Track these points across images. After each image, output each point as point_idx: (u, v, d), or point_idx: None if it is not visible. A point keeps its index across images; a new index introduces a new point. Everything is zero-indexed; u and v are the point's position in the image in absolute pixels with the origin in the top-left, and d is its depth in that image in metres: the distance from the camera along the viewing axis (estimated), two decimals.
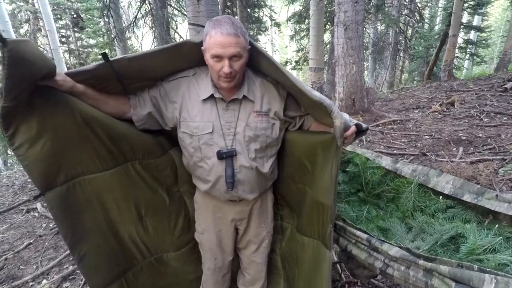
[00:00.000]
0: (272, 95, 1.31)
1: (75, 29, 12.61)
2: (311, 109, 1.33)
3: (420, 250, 1.18)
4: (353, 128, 1.16)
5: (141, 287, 1.46)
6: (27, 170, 1.05)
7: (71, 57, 12.40)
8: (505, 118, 4.77)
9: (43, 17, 7.85)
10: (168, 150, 1.49)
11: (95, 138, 1.20)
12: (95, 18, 10.48)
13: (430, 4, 15.09)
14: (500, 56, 10.99)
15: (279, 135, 1.35)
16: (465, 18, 13.38)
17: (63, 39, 12.27)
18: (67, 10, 12.11)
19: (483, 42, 12.31)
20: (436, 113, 5.55)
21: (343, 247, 1.41)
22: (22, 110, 0.97)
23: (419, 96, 7.19)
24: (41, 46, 11.63)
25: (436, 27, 13.31)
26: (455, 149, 3.82)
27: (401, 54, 14.05)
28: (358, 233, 1.32)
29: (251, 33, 10.45)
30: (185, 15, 7.20)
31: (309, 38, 8.07)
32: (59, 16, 11.86)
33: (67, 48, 12.32)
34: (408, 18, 12.48)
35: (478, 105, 5.56)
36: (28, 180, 4.15)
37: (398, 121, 5.22)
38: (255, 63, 1.26)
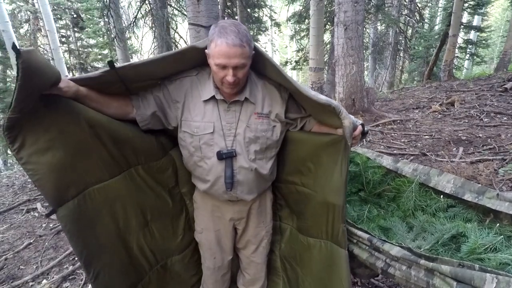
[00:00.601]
0: (274, 97, 1.32)
1: (75, 29, 12.59)
2: (314, 112, 1.34)
3: (422, 250, 1.18)
4: (360, 128, 1.19)
5: None
6: (39, 185, 0.99)
7: (71, 57, 12.38)
8: (505, 118, 4.76)
9: (43, 17, 7.83)
10: (169, 151, 1.49)
11: (100, 143, 1.18)
12: (95, 18, 10.46)
13: (430, 4, 15.08)
14: (500, 56, 10.97)
15: (279, 138, 1.36)
16: (465, 18, 13.37)
17: (63, 39, 12.24)
18: (67, 10, 12.10)
19: (483, 42, 12.30)
20: (436, 113, 5.54)
21: None
22: (28, 120, 0.94)
23: (419, 96, 7.18)
24: (41, 46, 11.64)
25: (436, 27, 13.30)
26: (455, 149, 3.81)
27: (401, 54, 14.04)
28: (360, 233, 1.32)
29: (251, 33, 10.43)
30: (185, 15, 7.20)
31: (309, 38, 8.07)
32: (59, 16, 11.84)
33: (67, 48, 12.29)
34: (408, 18, 12.47)
35: (478, 105, 5.55)
36: (28, 180, 4.15)
37: (398, 121, 5.21)
38: (259, 66, 1.26)
